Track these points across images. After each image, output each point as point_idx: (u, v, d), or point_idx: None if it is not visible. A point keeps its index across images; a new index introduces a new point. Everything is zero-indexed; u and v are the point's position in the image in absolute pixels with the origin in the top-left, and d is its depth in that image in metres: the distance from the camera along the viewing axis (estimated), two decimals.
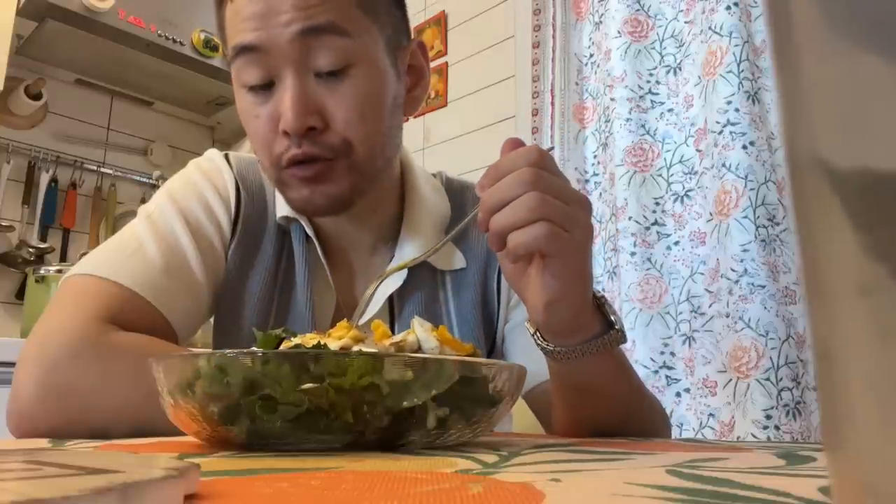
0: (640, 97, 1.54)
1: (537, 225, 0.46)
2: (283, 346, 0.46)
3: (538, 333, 0.54)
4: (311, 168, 0.61)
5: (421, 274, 0.71)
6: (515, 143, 0.51)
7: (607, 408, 0.57)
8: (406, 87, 0.69)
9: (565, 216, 0.47)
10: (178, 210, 0.67)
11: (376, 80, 0.63)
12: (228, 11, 0.62)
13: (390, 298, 0.70)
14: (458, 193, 0.78)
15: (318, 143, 0.60)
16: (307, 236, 0.70)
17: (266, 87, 0.61)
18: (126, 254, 0.62)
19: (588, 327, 0.53)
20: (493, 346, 0.74)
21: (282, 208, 0.69)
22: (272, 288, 0.69)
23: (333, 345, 0.44)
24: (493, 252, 0.67)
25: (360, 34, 0.61)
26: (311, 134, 0.60)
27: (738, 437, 1.19)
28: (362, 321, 0.63)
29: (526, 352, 0.67)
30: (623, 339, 0.54)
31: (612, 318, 0.54)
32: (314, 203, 0.63)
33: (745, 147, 1.31)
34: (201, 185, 0.70)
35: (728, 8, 1.37)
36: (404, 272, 0.69)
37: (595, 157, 1.62)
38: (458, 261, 0.73)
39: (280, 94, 0.60)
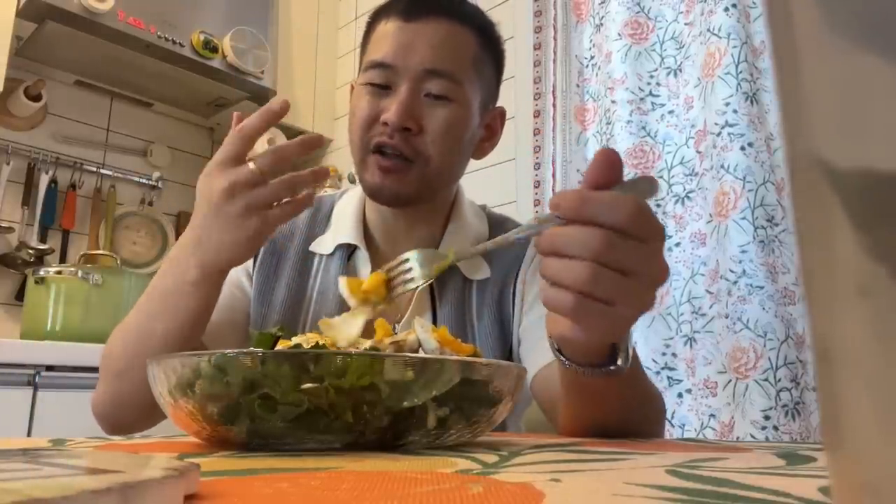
0: (641, 99, 1.54)
1: (567, 295, 0.43)
2: (282, 346, 0.46)
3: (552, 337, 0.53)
4: (391, 161, 0.73)
5: (455, 280, 0.80)
6: (608, 161, 0.45)
7: (612, 413, 0.57)
8: (480, 138, 0.84)
9: (613, 293, 0.43)
10: None
11: (465, 118, 0.77)
12: (380, 28, 0.77)
13: (432, 297, 0.79)
14: (498, 223, 0.89)
15: (407, 142, 0.73)
16: (350, 254, 0.82)
17: (383, 89, 0.75)
18: None
19: (599, 355, 0.52)
20: (510, 351, 0.80)
21: (340, 238, 0.82)
22: (299, 299, 0.80)
23: (350, 321, 0.44)
24: (516, 264, 0.82)
25: (466, 84, 0.76)
26: (405, 133, 0.73)
27: (737, 438, 1.19)
28: (403, 321, 0.78)
29: (536, 340, 0.75)
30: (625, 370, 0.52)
31: (621, 356, 0.51)
32: (383, 190, 0.75)
33: (743, 148, 1.31)
34: None
35: (726, 9, 1.37)
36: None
37: None
38: (484, 271, 0.82)
39: (392, 97, 0.74)
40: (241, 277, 0.81)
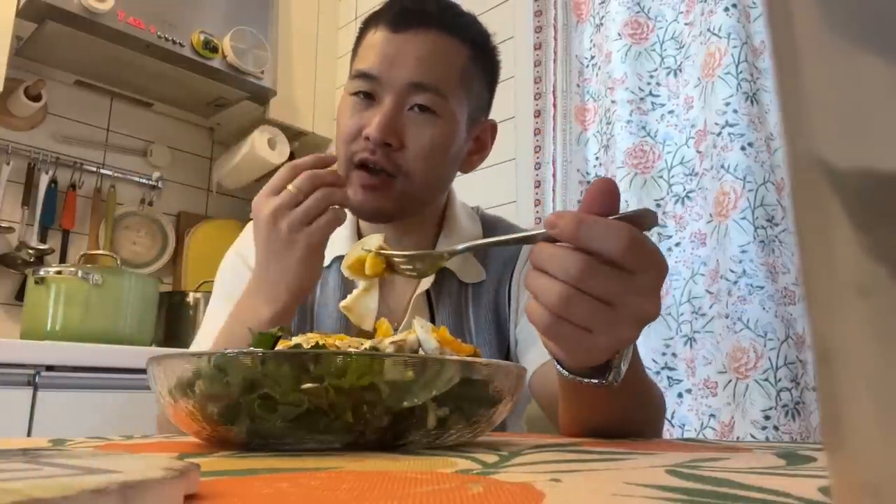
0: (641, 99, 1.54)
1: (545, 313, 0.43)
2: (282, 346, 0.46)
3: None
4: (374, 178, 0.73)
5: (451, 285, 0.81)
6: (606, 190, 0.44)
7: (609, 416, 0.57)
8: (468, 151, 0.82)
9: (589, 320, 0.43)
10: (220, 287, 0.85)
11: (450, 133, 0.76)
12: (368, 38, 0.77)
13: (429, 302, 0.80)
14: (491, 225, 0.90)
15: (389, 158, 0.73)
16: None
17: (368, 100, 0.75)
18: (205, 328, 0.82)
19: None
20: (507, 350, 0.81)
21: (336, 250, 0.81)
22: (304, 312, 0.81)
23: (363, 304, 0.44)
24: (510, 265, 0.83)
25: (452, 98, 0.75)
26: (386, 148, 0.72)
27: (737, 438, 1.19)
28: (403, 323, 0.78)
29: (532, 339, 0.76)
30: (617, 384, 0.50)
31: (612, 373, 0.49)
32: (365, 207, 0.75)
33: (743, 148, 1.31)
34: (231, 260, 0.87)
35: (726, 9, 1.37)
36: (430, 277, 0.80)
37: (597, 158, 1.62)
38: (480, 274, 0.82)
39: (376, 110, 0.73)
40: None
